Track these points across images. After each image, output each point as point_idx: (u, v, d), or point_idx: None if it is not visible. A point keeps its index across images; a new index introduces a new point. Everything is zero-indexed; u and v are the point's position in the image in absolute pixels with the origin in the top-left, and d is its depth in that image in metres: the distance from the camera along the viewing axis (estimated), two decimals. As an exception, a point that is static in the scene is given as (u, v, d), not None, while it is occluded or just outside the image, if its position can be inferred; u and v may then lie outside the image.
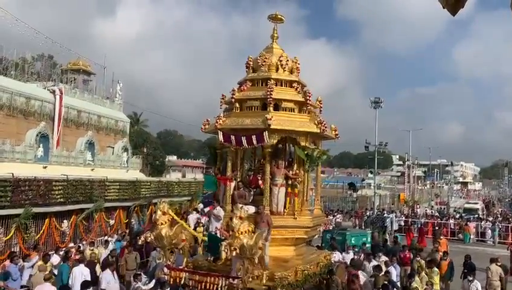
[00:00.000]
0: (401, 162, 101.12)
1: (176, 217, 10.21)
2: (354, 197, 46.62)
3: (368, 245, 18.37)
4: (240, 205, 9.09)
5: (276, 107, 10.68)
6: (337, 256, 14.36)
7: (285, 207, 10.56)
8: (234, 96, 10.95)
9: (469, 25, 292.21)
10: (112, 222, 20.41)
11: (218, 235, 10.19)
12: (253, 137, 10.02)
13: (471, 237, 27.76)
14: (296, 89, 11.03)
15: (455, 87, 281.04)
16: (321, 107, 11.61)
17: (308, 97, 10.89)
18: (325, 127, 10.56)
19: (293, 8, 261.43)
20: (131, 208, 21.92)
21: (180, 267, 9.94)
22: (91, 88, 26.93)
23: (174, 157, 79.27)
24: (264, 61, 11.34)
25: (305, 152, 10.57)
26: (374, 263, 13.46)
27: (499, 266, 13.77)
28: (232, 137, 10.26)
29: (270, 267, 9.24)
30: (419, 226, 29.12)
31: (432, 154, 79.01)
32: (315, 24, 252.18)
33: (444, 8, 2.72)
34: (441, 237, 19.13)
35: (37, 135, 18.86)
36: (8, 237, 14.66)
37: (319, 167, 12.04)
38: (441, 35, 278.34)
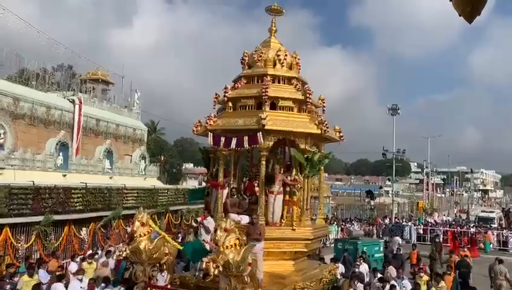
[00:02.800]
0: (419, 170, 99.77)
1: (157, 229, 9.29)
2: (372, 205, 46.02)
3: (379, 255, 17.45)
4: (222, 216, 8.26)
5: (273, 106, 9.70)
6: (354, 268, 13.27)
7: (282, 217, 9.46)
8: (227, 94, 10.01)
9: (485, 30, 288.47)
10: (129, 229, 20.54)
11: (207, 247, 8.87)
12: (245, 139, 9.01)
13: (491, 246, 27.13)
14: (296, 86, 9.99)
15: (472, 94, 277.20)
16: (324, 106, 10.53)
17: (308, 95, 9.80)
18: (327, 128, 9.46)
19: (307, 16, 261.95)
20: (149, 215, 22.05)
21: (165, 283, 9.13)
22: (109, 97, 27.37)
23: (190, 165, 79.67)
24: (260, 56, 10.32)
25: (305, 155, 9.50)
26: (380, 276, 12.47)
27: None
28: (222, 138, 9.25)
29: (265, 284, 8.37)
30: (436, 234, 28.60)
31: (451, 161, 77.99)
32: (329, 31, 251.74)
33: (460, 15, 2.67)
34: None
35: (57, 144, 19.20)
36: (28, 244, 14.90)
37: (321, 172, 10.92)
38: (457, 41, 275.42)
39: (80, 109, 21.13)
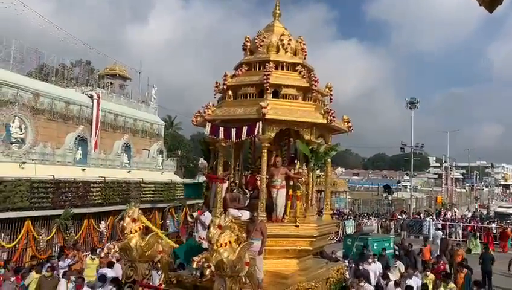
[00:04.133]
0: (438, 164, 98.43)
1: (149, 224, 8.77)
2: (389, 200, 45.61)
3: (389, 251, 16.65)
4: (222, 211, 7.51)
5: (276, 95, 9.09)
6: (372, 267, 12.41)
7: (285, 213, 8.92)
8: (226, 82, 9.43)
9: (505, 23, 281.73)
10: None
11: (205, 245, 8.12)
12: (244, 129, 8.42)
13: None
14: (300, 73, 9.35)
15: (492, 87, 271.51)
16: (331, 95, 9.88)
17: (313, 82, 9.14)
18: (333, 117, 8.75)
19: (323, 10, 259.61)
20: (166, 209, 22.27)
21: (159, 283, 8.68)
22: (127, 92, 27.61)
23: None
24: (262, 42, 9.64)
25: (310, 147, 8.89)
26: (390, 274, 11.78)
27: None
28: (221, 129, 8.69)
29: (266, 285, 7.85)
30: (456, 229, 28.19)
31: (471, 156, 76.67)
32: (346, 25, 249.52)
33: (480, 5, 2.58)
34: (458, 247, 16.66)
35: (76, 139, 19.47)
36: (49, 237, 15.19)
37: (328, 164, 10.21)
38: (476, 34, 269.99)
39: (98, 104, 21.37)
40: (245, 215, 8.75)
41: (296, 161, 9.57)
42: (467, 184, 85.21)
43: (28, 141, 16.72)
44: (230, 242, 6.85)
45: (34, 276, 10.27)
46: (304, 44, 10.00)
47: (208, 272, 6.75)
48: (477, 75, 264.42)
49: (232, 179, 9.84)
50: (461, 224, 29.65)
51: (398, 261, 13.64)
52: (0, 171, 14.05)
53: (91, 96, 21.36)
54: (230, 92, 9.52)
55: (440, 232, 23.72)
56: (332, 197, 43.47)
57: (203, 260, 6.95)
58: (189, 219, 9.07)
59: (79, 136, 19.70)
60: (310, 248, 8.99)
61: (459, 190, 74.78)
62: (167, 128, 45.67)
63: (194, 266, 6.84)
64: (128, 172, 22.63)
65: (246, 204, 9.43)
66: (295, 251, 8.85)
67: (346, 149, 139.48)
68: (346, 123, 9.81)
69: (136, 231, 8.11)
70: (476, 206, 56.87)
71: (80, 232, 16.66)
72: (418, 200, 50.12)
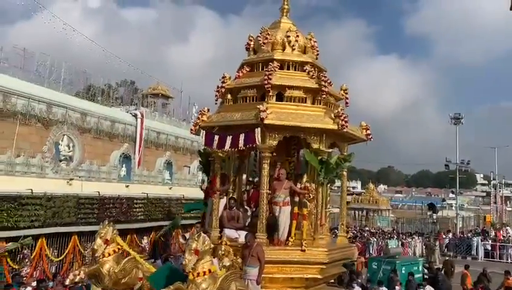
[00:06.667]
0: (485, 182, 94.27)
1: (125, 247, 7.77)
2: (434, 218, 44.01)
3: (418, 275, 14.84)
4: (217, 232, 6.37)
5: (280, 97, 8.02)
6: None
7: (290, 234, 7.68)
8: (225, 85, 8.46)
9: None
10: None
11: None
12: (241, 137, 7.36)
13: None
14: (309, 73, 8.27)
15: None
16: (347, 98, 8.78)
17: (323, 83, 7.93)
18: (345, 122, 7.51)
19: (362, 25, 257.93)
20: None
21: None
22: (169, 111, 28.37)
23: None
24: (266, 39, 8.58)
25: (318, 157, 7.67)
26: None
27: None
28: (215, 137, 7.66)
29: None
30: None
31: (522, 173, 72.92)
32: (385, 40, 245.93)
33: (511, 9, 2.52)
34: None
35: (120, 156, 20.12)
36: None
37: (344, 177, 8.98)
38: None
39: (142, 123, 22.04)
40: (242, 237, 7.64)
41: (302, 174, 8.30)
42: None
43: (76, 158, 17.45)
44: (210, 271, 5.78)
45: None
46: (314, 41, 8.84)
47: None
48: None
49: (230, 195, 8.74)
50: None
51: (428, 286, 12.32)
52: (49, 188, 14.69)
53: (135, 115, 22.07)
54: (229, 96, 8.53)
55: None
56: (374, 215, 42.61)
57: None
58: (181, 240, 7.37)
59: (123, 153, 20.34)
60: (319, 277, 7.57)
61: (510, 209, 71.20)
62: (207, 146, 46.31)
63: None
64: (170, 188, 23.07)
65: (247, 223, 8.34)
66: (302, 280, 7.51)
67: (388, 166, 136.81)
68: (364, 130, 8.65)
69: (109, 255, 7.10)
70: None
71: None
72: (464, 219, 48.07)
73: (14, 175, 14.75)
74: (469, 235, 32.65)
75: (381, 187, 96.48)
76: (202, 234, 6.46)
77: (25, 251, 12.76)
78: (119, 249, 7.34)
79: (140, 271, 7.43)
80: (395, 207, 64.92)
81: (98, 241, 7.11)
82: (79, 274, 7.05)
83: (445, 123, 39.66)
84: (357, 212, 42.56)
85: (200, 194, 9.72)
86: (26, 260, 12.77)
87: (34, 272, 12.99)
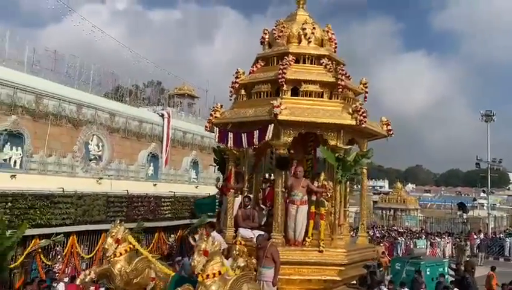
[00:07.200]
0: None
1: (137, 246, 7.46)
2: (464, 218, 42.93)
3: (447, 276, 13.75)
4: (213, 233, 6.08)
5: (296, 92, 7.69)
6: None
7: (307, 235, 7.38)
8: (238, 80, 8.21)
9: None
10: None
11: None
12: (255, 133, 7.09)
13: None
14: (326, 67, 7.92)
15: None
16: (366, 92, 8.38)
17: (341, 76, 7.54)
18: (364, 118, 7.17)
19: (390, 22, 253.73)
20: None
21: None
22: (195, 110, 28.66)
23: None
24: (281, 32, 8.27)
25: (336, 154, 7.35)
26: None
27: None
28: (230, 135, 7.42)
29: None
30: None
31: (558, 171, 70.29)
32: (412, 38, 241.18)
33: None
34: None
35: (148, 155, 20.45)
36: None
37: (364, 175, 8.52)
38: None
39: (169, 122, 22.33)
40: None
41: (320, 172, 7.97)
42: (554, 202, 78.11)
43: (105, 157, 17.83)
44: (220, 272, 5.58)
45: None
46: (332, 33, 8.48)
47: None
48: None
49: (245, 193, 8.47)
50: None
51: (456, 289, 11.68)
52: (80, 186, 15.06)
53: (162, 115, 22.37)
54: (243, 91, 8.28)
55: None
56: (402, 215, 41.86)
57: None
58: (191, 241, 7.11)
59: (151, 153, 20.65)
60: (337, 279, 7.28)
61: (544, 208, 68.72)
62: (233, 145, 46.55)
63: None
64: (196, 187, 23.28)
65: (263, 223, 8.12)
66: (320, 282, 7.22)
67: (416, 165, 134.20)
68: (385, 126, 8.38)
69: (121, 254, 6.91)
70: None
71: (151, 245, 17.32)
72: (497, 219, 46.71)
73: (46, 174, 15.22)
74: (501, 235, 31.72)
75: (409, 186, 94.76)
76: (214, 233, 6.33)
77: (57, 248, 13.10)
78: (131, 248, 7.13)
79: (153, 271, 7.21)
80: (424, 206, 63.61)
81: (109, 240, 6.97)
82: (89, 274, 6.83)
83: (475, 121, 38.66)
84: (384, 211, 41.92)
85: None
86: (59, 257, 13.10)
87: (66, 269, 13.32)
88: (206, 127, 8.55)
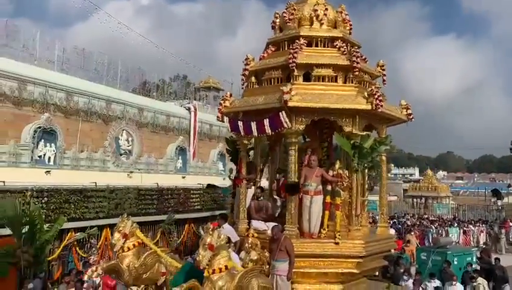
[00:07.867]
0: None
1: (146, 240, 7.30)
2: (499, 205, 41.76)
3: (474, 266, 13.08)
4: (211, 226, 5.65)
5: (308, 77, 7.31)
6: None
7: (322, 226, 7.11)
8: (248, 67, 7.89)
9: None
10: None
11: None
12: (266, 121, 6.84)
13: None
14: (340, 49, 7.48)
15: None
16: (384, 75, 7.94)
17: (355, 59, 7.10)
18: (380, 102, 6.73)
19: (417, 6, 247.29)
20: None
21: None
22: (221, 103, 28.87)
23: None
24: (292, 15, 7.89)
25: (351, 141, 6.95)
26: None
27: None
28: (240, 124, 7.19)
29: None
30: None
31: None
32: (441, 21, 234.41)
33: None
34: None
35: (176, 149, 20.76)
36: (155, 241, 16.30)
37: (383, 162, 8.01)
38: None
39: (195, 116, 22.58)
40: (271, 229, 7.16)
41: (335, 160, 7.59)
42: None
43: (135, 152, 18.21)
44: (226, 267, 5.39)
45: None
46: (346, 14, 8.06)
47: None
48: None
49: (258, 184, 8.28)
50: None
51: (480, 278, 11.05)
52: (111, 181, 15.45)
53: (189, 109, 22.62)
54: (253, 79, 8.00)
55: None
56: (433, 203, 41.08)
57: (189, 288, 5.29)
58: (201, 232, 7.16)
59: (179, 146, 20.95)
60: (355, 271, 6.96)
61: None
62: (259, 136, 46.64)
63: None
64: (224, 179, 23.49)
65: (277, 214, 7.85)
66: (337, 275, 6.95)
67: (447, 151, 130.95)
68: (404, 110, 7.91)
69: (129, 249, 6.70)
70: None
71: (182, 237, 17.63)
72: (533, 205, 45.25)
73: (79, 169, 15.67)
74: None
75: (440, 173, 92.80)
76: (226, 225, 6.06)
77: (92, 241, 13.49)
78: (139, 243, 6.94)
79: (163, 265, 6.99)
80: (456, 194, 62.24)
81: (116, 235, 6.78)
82: (96, 270, 6.60)
83: (509, 105, 37.41)
84: (415, 200, 41.23)
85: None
86: (93, 249, 13.51)
87: (101, 260, 13.73)
88: (217, 117, 8.20)
